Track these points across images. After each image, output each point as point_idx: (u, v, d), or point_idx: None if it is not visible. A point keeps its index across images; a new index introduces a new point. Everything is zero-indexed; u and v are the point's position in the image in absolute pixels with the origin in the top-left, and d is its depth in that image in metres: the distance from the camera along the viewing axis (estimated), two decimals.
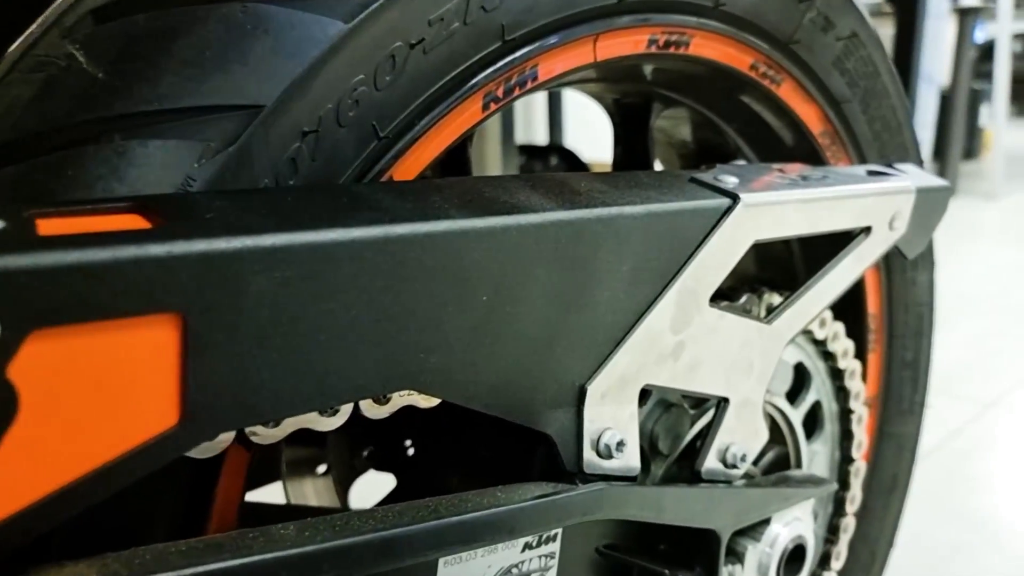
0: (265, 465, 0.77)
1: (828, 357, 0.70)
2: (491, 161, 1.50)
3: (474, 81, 0.50)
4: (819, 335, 0.67)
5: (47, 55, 0.40)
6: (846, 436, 0.74)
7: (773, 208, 0.51)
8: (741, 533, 0.58)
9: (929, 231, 0.68)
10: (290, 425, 0.41)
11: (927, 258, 0.91)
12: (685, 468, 0.57)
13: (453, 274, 0.37)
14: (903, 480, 0.98)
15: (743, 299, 0.56)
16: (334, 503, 0.78)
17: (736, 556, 0.58)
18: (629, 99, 0.75)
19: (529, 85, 0.54)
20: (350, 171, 0.45)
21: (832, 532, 0.76)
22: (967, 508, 1.51)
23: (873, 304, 0.89)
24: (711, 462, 0.55)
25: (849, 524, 0.77)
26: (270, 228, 0.33)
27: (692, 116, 0.79)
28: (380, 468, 0.72)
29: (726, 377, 0.54)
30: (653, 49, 0.61)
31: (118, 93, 0.40)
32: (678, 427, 0.57)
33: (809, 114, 0.75)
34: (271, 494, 0.78)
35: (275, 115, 0.41)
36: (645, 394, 0.50)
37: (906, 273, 0.89)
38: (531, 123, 2.75)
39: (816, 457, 0.72)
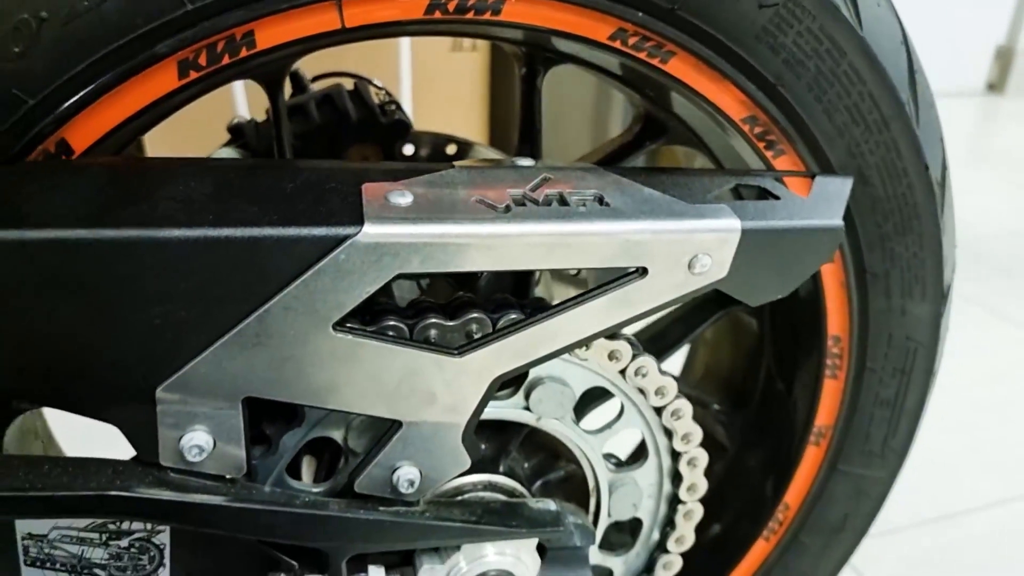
0: None
1: (641, 392, 0.60)
2: None
3: (156, 49, 0.48)
4: (610, 367, 0.58)
5: None
6: (677, 476, 0.65)
7: (418, 242, 0.44)
8: (426, 552, 0.56)
9: (787, 279, 0.55)
10: None
11: (932, 286, 0.72)
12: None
13: None
14: (855, 525, 0.84)
15: (424, 323, 0.50)
16: None
17: (410, 567, 0.56)
18: (520, 55, 0.65)
19: (246, 53, 0.50)
20: None
21: (650, 565, 0.69)
22: None
23: (837, 326, 0.74)
24: (378, 473, 0.53)
25: (672, 562, 0.69)
26: None
27: None
28: None
29: (388, 402, 0.50)
30: (437, 14, 0.52)
31: None
32: (372, 430, 0.55)
33: (723, 96, 0.60)
34: None
35: None
36: None
37: (891, 299, 0.72)
38: None
39: (626, 487, 0.64)
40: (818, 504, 0.83)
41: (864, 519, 0.85)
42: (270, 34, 0.50)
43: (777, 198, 0.55)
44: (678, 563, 0.70)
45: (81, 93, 0.48)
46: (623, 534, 0.70)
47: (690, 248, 0.50)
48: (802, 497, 0.83)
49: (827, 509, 0.83)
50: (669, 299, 0.52)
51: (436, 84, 2.12)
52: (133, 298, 0.42)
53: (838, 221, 0.54)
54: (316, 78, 0.85)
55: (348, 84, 0.84)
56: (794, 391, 0.81)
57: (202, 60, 0.50)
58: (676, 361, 0.85)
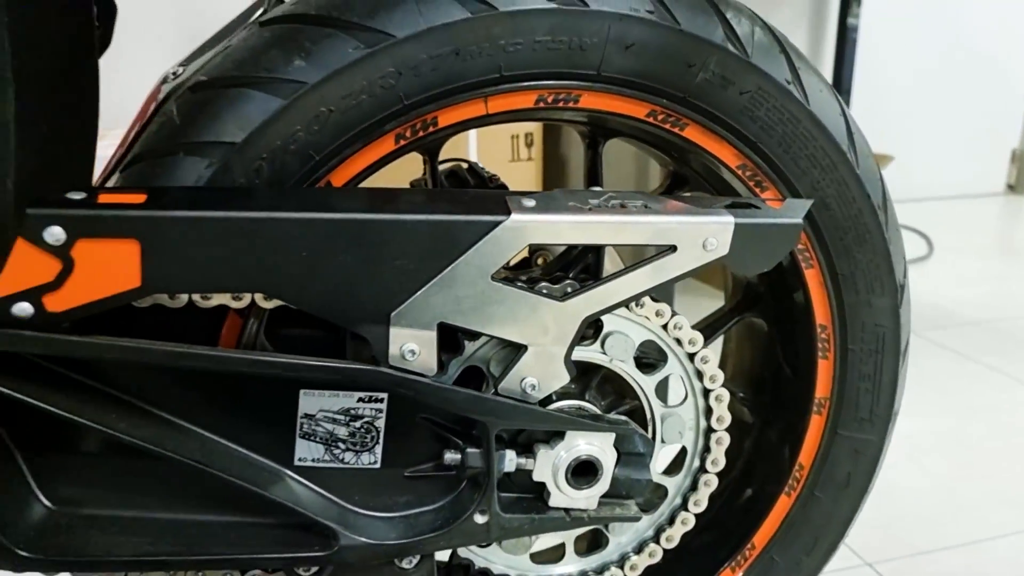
0: None
1: (678, 342, 0.91)
2: None
3: (385, 127, 0.83)
4: (656, 322, 0.88)
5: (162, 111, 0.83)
6: (709, 410, 0.94)
7: (541, 224, 0.77)
8: (538, 439, 0.86)
9: (768, 257, 0.85)
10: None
11: (888, 284, 1.02)
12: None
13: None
14: (859, 482, 1.09)
15: (539, 284, 0.83)
16: None
17: (531, 453, 0.86)
18: (586, 132, 1.00)
19: (432, 130, 0.86)
20: (296, 176, 0.82)
21: (694, 484, 0.97)
22: None
23: (821, 315, 1.03)
24: (510, 385, 0.83)
25: (710, 480, 0.96)
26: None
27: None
28: None
29: (520, 330, 0.81)
30: (541, 105, 0.87)
31: (185, 132, 0.81)
32: (506, 360, 0.86)
33: (722, 152, 0.94)
34: None
35: (244, 147, 0.79)
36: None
37: (859, 294, 1.02)
38: None
39: (672, 418, 0.93)
40: (826, 464, 1.08)
41: (864, 477, 1.10)
42: (445, 117, 0.86)
43: (758, 208, 0.87)
44: (715, 481, 0.97)
45: (342, 154, 0.83)
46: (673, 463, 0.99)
47: (703, 233, 0.82)
48: (812, 458, 1.09)
49: (833, 468, 1.09)
50: (692, 268, 0.83)
51: None
52: (385, 254, 0.75)
53: (799, 220, 0.85)
54: (442, 162, 1.22)
55: (463, 166, 1.20)
56: (798, 372, 1.09)
57: (407, 133, 0.85)
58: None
